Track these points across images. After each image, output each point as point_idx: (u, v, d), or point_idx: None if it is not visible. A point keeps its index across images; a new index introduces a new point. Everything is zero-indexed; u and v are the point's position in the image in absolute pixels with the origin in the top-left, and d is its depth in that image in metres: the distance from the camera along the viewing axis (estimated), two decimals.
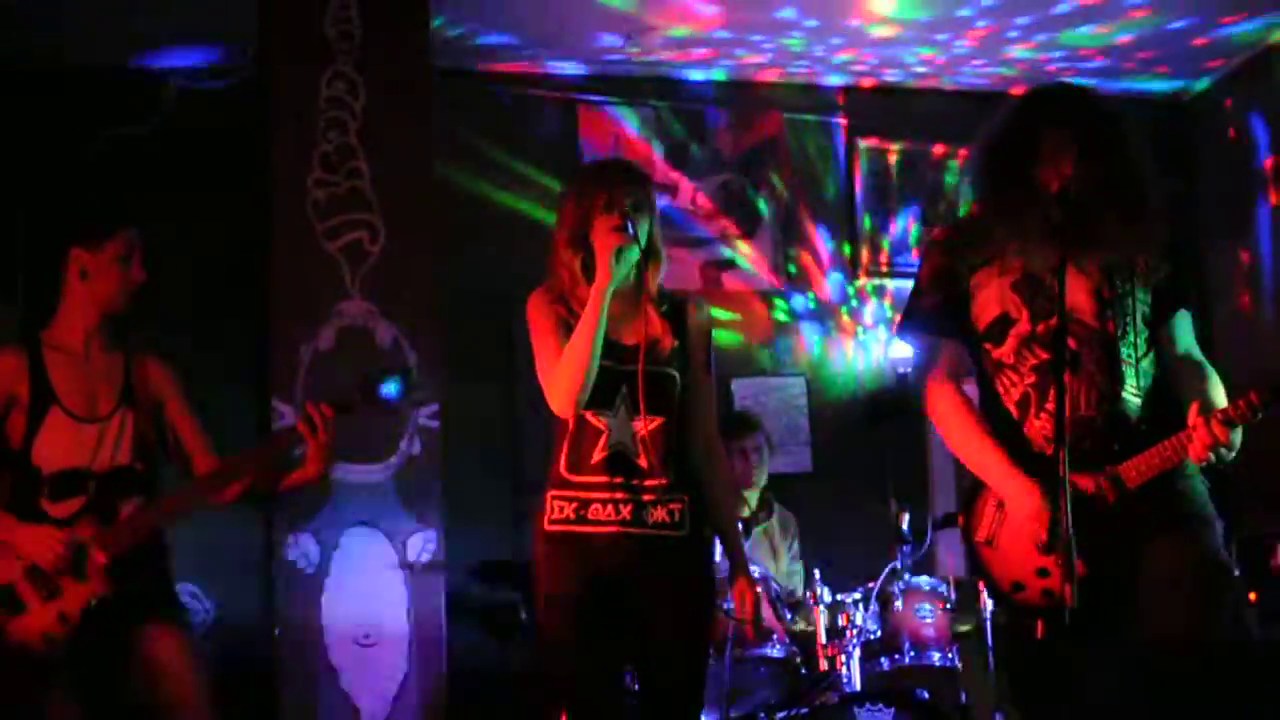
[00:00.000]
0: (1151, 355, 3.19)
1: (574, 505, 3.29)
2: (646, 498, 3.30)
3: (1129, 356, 3.16)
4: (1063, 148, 3.13)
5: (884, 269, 6.81)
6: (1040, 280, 3.18)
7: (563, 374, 3.26)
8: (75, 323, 3.94)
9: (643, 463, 3.30)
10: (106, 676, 3.80)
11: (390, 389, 3.88)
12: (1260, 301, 6.60)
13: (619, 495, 3.28)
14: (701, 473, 3.43)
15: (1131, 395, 3.14)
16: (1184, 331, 3.24)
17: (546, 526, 3.32)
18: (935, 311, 3.30)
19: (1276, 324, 6.51)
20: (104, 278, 3.90)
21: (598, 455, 3.29)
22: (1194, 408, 3.02)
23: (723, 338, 6.46)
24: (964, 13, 6.02)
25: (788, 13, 5.97)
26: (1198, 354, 3.24)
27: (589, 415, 3.29)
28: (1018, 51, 6.42)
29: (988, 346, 3.24)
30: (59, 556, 3.72)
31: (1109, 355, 3.15)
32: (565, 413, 3.28)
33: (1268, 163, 6.54)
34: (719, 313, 6.49)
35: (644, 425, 3.30)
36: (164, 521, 3.92)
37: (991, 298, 3.24)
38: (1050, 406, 3.12)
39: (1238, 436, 2.99)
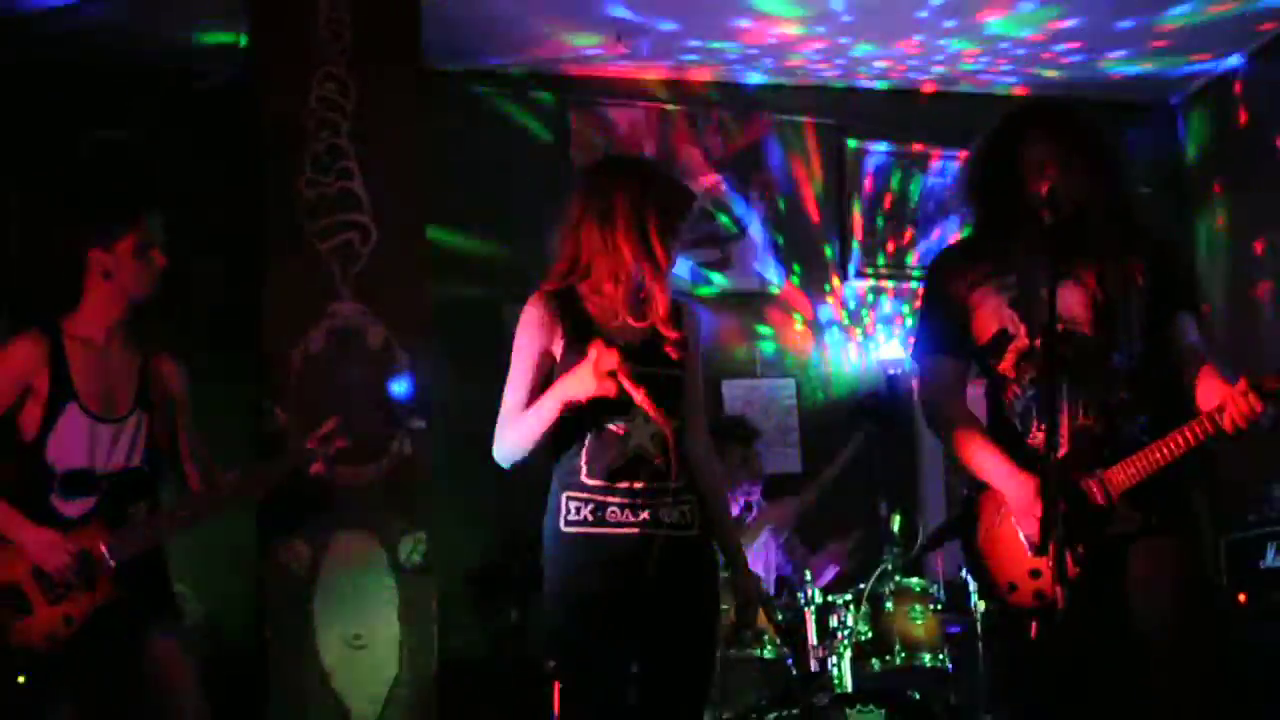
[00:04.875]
0: (1151, 361, 3.24)
1: (591, 507, 3.29)
2: (665, 499, 3.31)
3: (1124, 365, 3.22)
4: (1043, 158, 3.22)
5: (874, 270, 6.81)
6: (1036, 295, 3.23)
7: (508, 443, 3.34)
8: (98, 318, 3.93)
9: (660, 463, 3.31)
10: (107, 679, 3.81)
11: (400, 389, 3.95)
12: None
13: (639, 500, 3.29)
14: (701, 476, 3.45)
15: (1128, 403, 3.20)
16: (1187, 332, 3.28)
17: (562, 527, 3.31)
18: (937, 331, 3.42)
19: None
20: (125, 273, 3.91)
21: (620, 461, 3.29)
22: (1224, 387, 3.02)
23: (713, 339, 6.47)
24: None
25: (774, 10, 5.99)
26: (1205, 352, 3.25)
27: (607, 423, 3.29)
28: (1015, 53, 6.45)
29: (990, 362, 3.34)
30: (67, 566, 3.73)
31: (1106, 364, 3.21)
32: (502, 464, 3.37)
33: None
34: (709, 315, 6.50)
35: (660, 428, 3.30)
36: (172, 531, 3.94)
37: (990, 314, 3.33)
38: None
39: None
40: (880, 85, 6.81)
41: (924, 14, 5.99)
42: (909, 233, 6.86)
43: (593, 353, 3.19)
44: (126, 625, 3.82)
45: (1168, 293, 3.28)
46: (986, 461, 3.30)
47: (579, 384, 3.20)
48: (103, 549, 3.78)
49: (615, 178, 3.43)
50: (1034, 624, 3.11)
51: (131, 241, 3.91)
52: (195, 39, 5.76)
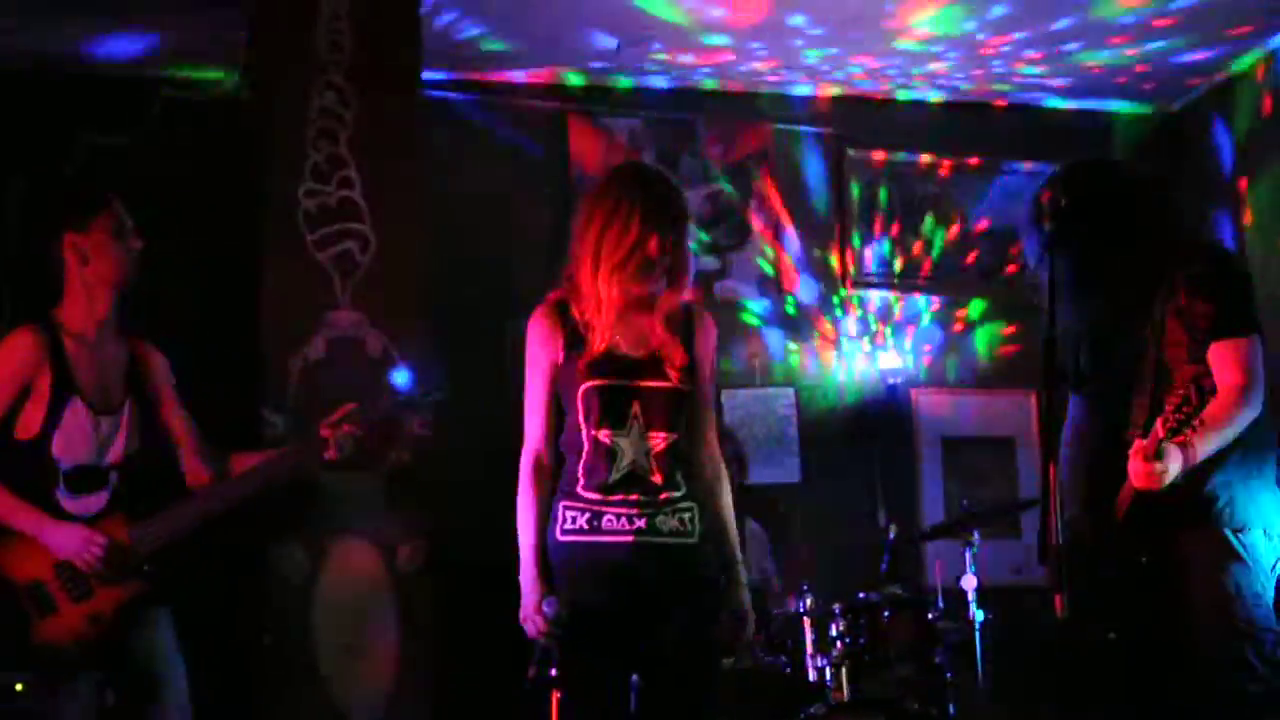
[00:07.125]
0: (1175, 393, 3.18)
1: (586, 516, 3.31)
2: (663, 509, 3.33)
3: (1141, 403, 3.37)
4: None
5: (873, 280, 6.82)
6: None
7: (518, 499, 3.39)
8: (85, 309, 3.87)
9: (656, 479, 3.32)
10: (123, 669, 3.77)
11: (400, 378, 3.94)
12: None
13: (634, 511, 3.30)
14: (707, 490, 3.45)
15: (1134, 439, 3.22)
16: (1217, 365, 3.28)
17: (559, 535, 3.33)
18: None
19: None
20: (102, 256, 3.86)
21: (614, 475, 3.30)
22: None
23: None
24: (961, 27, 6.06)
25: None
26: (1223, 383, 3.24)
27: (603, 436, 3.31)
28: (1007, 64, 6.46)
29: None
30: (98, 559, 3.67)
31: (1127, 402, 3.39)
32: None
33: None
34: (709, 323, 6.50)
35: (657, 442, 3.32)
36: (195, 521, 3.87)
37: None
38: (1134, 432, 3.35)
39: (1172, 462, 3.08)
40: (876, 94, 6.83)
41: (918, 24, 6.01)
42: (917, 245, 6.86)
43: (545, 611, 3.26)
44: (151, 620, 3.79)
45: (1202, 323, 3.30)
46: None
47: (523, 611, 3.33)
48: (129, 541, 3.73)
49: (595, 202, 3.39)
50: (1058, 600, 3.16)
51: (106, 222, 3.87)
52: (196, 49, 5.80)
